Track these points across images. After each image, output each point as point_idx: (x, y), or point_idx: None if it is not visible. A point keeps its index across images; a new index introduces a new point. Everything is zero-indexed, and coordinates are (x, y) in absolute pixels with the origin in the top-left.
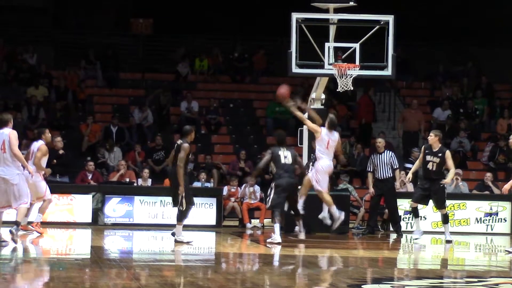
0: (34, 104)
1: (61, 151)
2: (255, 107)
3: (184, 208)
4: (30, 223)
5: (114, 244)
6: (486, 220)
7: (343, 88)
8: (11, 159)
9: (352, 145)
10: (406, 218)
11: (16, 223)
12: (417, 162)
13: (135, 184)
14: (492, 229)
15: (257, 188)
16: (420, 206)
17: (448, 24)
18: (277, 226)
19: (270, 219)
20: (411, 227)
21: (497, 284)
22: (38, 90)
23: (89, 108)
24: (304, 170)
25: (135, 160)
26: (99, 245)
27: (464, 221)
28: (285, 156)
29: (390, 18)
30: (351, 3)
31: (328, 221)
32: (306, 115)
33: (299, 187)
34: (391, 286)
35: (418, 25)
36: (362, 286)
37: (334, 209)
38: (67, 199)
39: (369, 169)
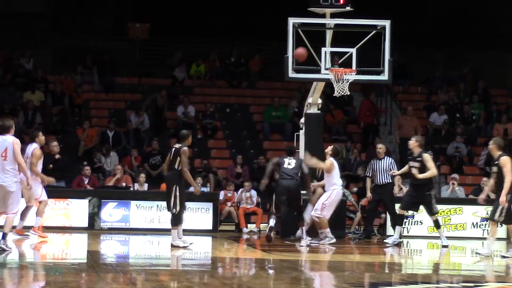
0: (31, 109)
1: (57, 156)
2: (252, 111)
3: (177, 212)
4: (28, 227)
5: (110, 248)
6: (483, 225)
7: (339, 93)
8: (11, 166)
9: (348, 150)
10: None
11: (4, 235)
12: (405, 167)
13: (131, 189)
14: (488, 234)
15: (253, 193)
16: (410, 212)
17: (445, 28)
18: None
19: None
20: (407, 232)
21: None
22: (35, 94)
23: (85, 113)
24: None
25: (131, 164)
26: (96, 250)
27: (460, 226)
28: (289, 163)
29: (386, 23)
30: (348, 8)
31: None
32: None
33: (303, 192)
34: None
35: (415, 30)
36: None
37: (328, 231)
38: (63, 203)
39: (368, 174)
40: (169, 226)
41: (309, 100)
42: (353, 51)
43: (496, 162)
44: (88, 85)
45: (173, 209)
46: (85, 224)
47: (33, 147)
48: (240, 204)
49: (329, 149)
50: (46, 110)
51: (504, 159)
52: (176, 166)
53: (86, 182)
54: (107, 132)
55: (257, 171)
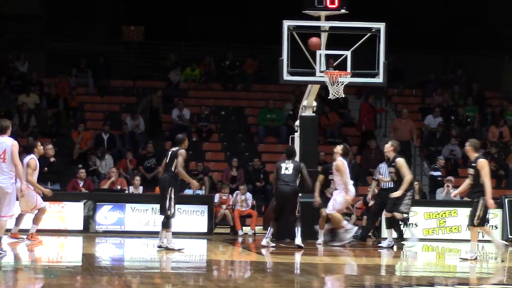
0: (25, 112)
1: (52, 159)
2: (247, 114)
3: (171, 214)
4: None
5: (105, 251)
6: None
7: (334, 95)
8: (9, 168)
9: None
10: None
11: None
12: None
13: (126, 192)
14: (483, 236)
15: (248, 195)
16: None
17: (439, 31)
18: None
19: (262, 227)
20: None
21: None
22: (29, 97)
23: (80, 116)
24: (310, 183)
25: (126, 167)
26: (91, 253)
27: (455, 228)
28: (287, 167)
29: (381, 26)
30: (343, 11)
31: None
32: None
33: (300, 194)
34: None
35: (409, 33)
36: None
37: (345, 223)
38: (58, 206)
39: (375, 177)
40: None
41: (304, 102)
42: (348, 53)
43: (473, 164)
44: (83, 88)
45: (168, 211)
46: (80, 227)
47: (29, 158)
48: (235, 207)
49: (338, 148)
50: (41, 113)
51: (482, 162)
52: (172, 169)
53: (81, 185)
54: (102, 135)
55: (252, 173)
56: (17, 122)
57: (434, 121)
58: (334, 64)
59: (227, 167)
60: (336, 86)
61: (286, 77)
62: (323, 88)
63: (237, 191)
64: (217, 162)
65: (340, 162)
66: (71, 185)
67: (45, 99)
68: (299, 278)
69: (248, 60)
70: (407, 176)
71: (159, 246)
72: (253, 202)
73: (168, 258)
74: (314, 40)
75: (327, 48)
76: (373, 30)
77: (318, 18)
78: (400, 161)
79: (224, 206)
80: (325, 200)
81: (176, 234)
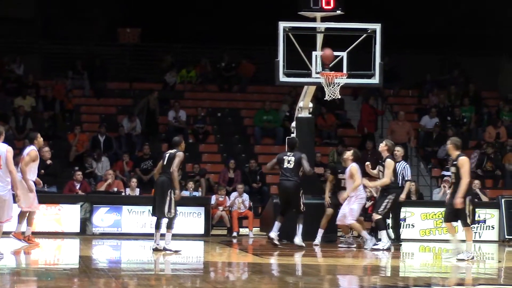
0: (22, 114)
1: (48, 161)
2: (243, 116)
3: (172, 215)
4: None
5: (102, 253)
6: (474, 227)
7: (330, 96)
8: (5, 175)
9: (339, 154)
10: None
11: None
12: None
13: (123, 194)
14: (480, 237)
15: (245, 196)
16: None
17: (435, 32)
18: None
19: (259, 228)
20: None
21: None
22: (26, 100)
23: (76, 118)
24: (309, 172)
25: (123, 169)
26: (88, 255)
27: None
28: (289, 161)
29: (377, 27)
30: (338, 12)
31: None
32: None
33: (301, 189)
34: None
35: (406, 34)
36: None
37: (364, 233)
38: (55, 209)
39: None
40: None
41: (300, 104)
42: (343, 54)
43: (455, 163)
44: (79, 90)
45: (169, 213)
46: (77, 229)
47: (30, 148)
48: (233, 208)
49: (348, 154)
50: (37, 115)
51: (463, 160)
52: (170, 170)
53: (77, 187)
54: (98, 137)
55: (249, 175)
56: (13, 125)
57: (431, 122)
58: (330, 65)
59: (224, 168)
60: (332, 87)
61: (282, 78)
62: (319, 89)
63: (234, 193)
64: (214, 163)
65: (354, 168)
66: (67, 188)
67: (41, 102)
68: (296, 280)
69: (244, 62)
70: (386, 178)
71: (155, 249)
72: (250, 204)
73: (165, 260)
74: (327, 52)
75: (322, 49)
76: (369, 31)
77: (313, 19)
78: (389, 162)
79: (220, 208)
80: (337, 204)
81: (173, 236)
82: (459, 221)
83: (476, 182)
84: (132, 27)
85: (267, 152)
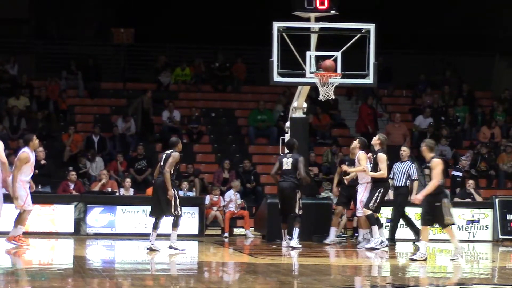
0: (16, 114)
1: (43, 161)
2: (237, 116)
3: (179, 213)
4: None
5: (96, 253)
6: (468, 227)
7: (324, 96)
8: None
9: (334, 154)
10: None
11: None
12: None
13: (117, 194)
14: (474, 237)
15: (238, 196)
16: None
17: (429, 32)
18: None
19: (253, 228)
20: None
21: None
22: (19, 100)
23: (70, 118)
24: (305, 179)
25: (117, 169)
26: (82, 255)
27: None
28: (287, 163)
29: (371, 27)
30: (332, 12)
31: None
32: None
33: (297, 190)
34: None
35: (399, 34)
36: None
37: (366, 232)
38: (49, 209)
39: (390, 176)
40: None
41: (294, 104)
42: (338, 54)
43: (428, 164)
44: (73, 91)
45: (175, 212)
46: (71, 230)
47: (21, 151)
48: (227, 209)
49: (355, 143)
50: (31, 115)
51: (435, 162)
52: (164, 171)
53: (71, 187)
54: (93, 137)
55: (243, 175)
56: (7, 125)
57: (425, 122)
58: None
59: (219, 169)
60: (326, 87)
61: (276, 78)
62: (314, 89)
63: (228, 192)
64: (208, 164)
65: (362, 155)
66: (61, 188)
67: (35, 102)
68: (290, 280)
69: (238, 61)
70: (383, 171)
71: (149, 248)
72: (243, 204)
73: (159, 260)
74: (327, 63)
75: (317, 49)
76: (363, 31)
77: (308, 20)
78: (382, 156)
79: (215, 208)
80: (346, 200)
81: (167, 236)
82: (437, 225)
83: (470, 182)
84: (126, 27)
85: (261, 152)
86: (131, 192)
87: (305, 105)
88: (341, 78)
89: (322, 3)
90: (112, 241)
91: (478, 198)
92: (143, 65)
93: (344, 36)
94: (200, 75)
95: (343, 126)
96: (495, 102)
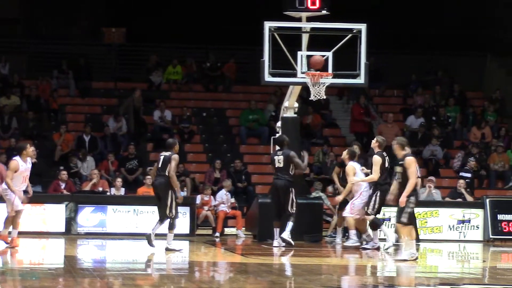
0: (6, 114)
1: (33, 160)
2: (228, 116)
3: (174, 216)
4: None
5: (87, 253)
6: (459, 227)
7: (315, 96)
8: None
9: (325, 154)
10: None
11: None
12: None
13: (108, 193)
14: (465, 236)
15: (229, 196)
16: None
17: (420, 32)
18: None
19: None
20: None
21: None
22: (10, 99)
23: (61, 118)
24: (304, 168)
25: (108, 169)
26: (72, 255)
27: (437, 229)
28: (279, 160)
29: (362, 27)
30: (324, 12)
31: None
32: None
33: (291, 188)
34: None
35: (391, 34)
36: None
37: (353, 233)
38: (40, 208)
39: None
40: (146, 230)
41: (286, 103)
42: (329, 54)
43: (401, 162)
44: (64, 90)
45: (170, 213)
46: (62, 229)
47: (12, 159)
48: (219, 208)
49: (344, 154)
50: (22, 115)
51: (409, 160)
52: (166, 173)
53: (62, 187)
54: (84, 137)
55: (234, 175)
56: None
57: (416, 122)
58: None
59: (210, 168)
60: (318, 87)
61: (268, 78)
62: (305, 89)
63: (220, 192)
64: (199, 163)
65: (350, 168)
66: (52, 187)
67: (26, 101)
68: (281, 279)
69: (231, 61)
70: (374, 174)
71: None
72: (235, 203)
73: (150, 260)
74: (316, 58)
75: (308, 49)
76: (354, 31)
77: (299, 19)
78: (376, 159)
79: (206, 208)
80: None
81: (158, 236)
82: (395, 217)
83: (461, 182)
84: (117, 27)
85: (252, 152)
86: (122, 191)
87: (296, 104)
88: (332, 78)
89: (313, 3)
90: (103, 240)
91: (469, 198)
92: (134, 65)
93: (335, 36)
94: (191, 75)
95: (334, 126)
96: (486, 102)
